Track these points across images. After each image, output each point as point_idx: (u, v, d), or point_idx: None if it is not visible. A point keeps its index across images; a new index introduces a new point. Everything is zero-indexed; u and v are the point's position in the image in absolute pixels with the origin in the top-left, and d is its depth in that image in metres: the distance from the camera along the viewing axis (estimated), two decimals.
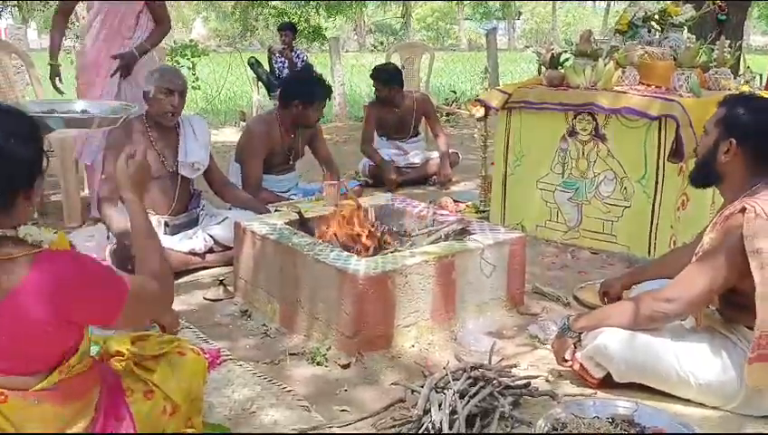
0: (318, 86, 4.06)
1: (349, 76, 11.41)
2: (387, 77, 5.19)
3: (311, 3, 13.99)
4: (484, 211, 4.20)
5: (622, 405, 1.99)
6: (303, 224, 2.95)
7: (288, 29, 8.41)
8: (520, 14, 34.82)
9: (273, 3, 13.50)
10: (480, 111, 3.95)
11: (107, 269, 1.58)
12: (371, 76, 5.30)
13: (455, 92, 10.14)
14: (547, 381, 2.25)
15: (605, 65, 3.55)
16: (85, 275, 1.50)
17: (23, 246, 1.46)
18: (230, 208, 3.71)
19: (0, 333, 1.43)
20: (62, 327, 1.47)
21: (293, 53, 8.23)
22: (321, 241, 2.72)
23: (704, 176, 2.22)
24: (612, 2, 26.10)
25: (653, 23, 3.78)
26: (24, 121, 1.47)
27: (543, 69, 3.84)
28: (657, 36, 3.81)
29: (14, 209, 1.46)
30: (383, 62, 5.95)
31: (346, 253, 2.58)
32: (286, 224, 2.90)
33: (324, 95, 4.06)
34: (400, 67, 6.01)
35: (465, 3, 29.59)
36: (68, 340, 1.52)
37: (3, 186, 1.43)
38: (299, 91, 3.93)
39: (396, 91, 5.17)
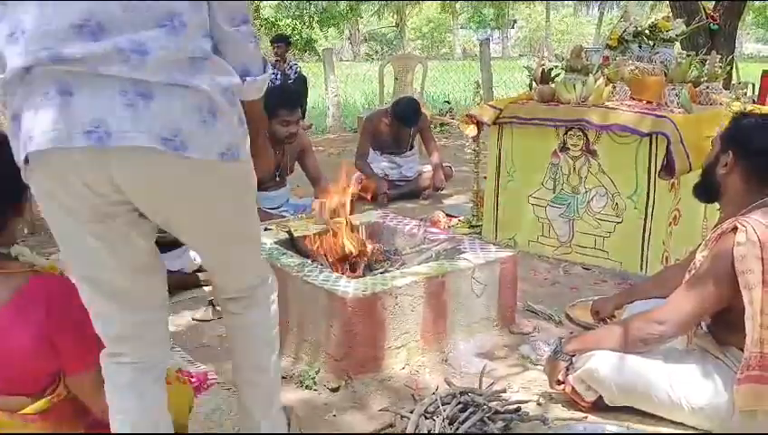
0: (279, 98, 3.78)
1: (343, 87, 11.42)
2: (410, 116, 5.06)
3: (304, 16, 14.02)
4: (476, 226, 4.19)
5: (613, 429, 1.97)
6: (293, 243, 2.92)
7: (281, 41, 8.41)
8: (515, 22, 34.96)
9: (266, 15, 13.50)
10: (473, 131, 3.94)
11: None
12: (392, 112, 5.10)
13: (448, 102, 10.15)
14: (538, 404, 2.23)
15: (596, 81, 3.55)
16: (74, 301, 1.49)
17: (15, 264, 1.47)
18: None
19: None
20: (46, 347, 1.46)
21: (286, 65, 8.23)
22: (310, 261, 2.70)
23: (705, 188, 2.21)
24: (605, 10, 26.27)
25: (644, 38, 3.78)
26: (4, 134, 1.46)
27: (534, 84, 3.84)
28: (648, 51, 3.81)
29: (5, 225, 1.46)
30: (377, 70, 5.93)
31: (335, 274, 2.56)
32: (276, 243, 2.87)
33: (286, 107, 3.80)
34: (393, 79, 6.00)
35: (459, 12, 29.71)
36: (51, 362, 1.50)
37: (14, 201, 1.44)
38: (264, 105, 3.86)
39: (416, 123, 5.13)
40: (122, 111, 1.23)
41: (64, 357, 1.51)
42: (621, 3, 23.51)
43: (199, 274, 3.28)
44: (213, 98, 1.32)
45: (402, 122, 5.06)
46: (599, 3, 25.59)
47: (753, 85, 5.08)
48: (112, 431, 1.53)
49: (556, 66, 3.83)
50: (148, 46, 1.25)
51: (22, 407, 1.49)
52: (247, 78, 1.47)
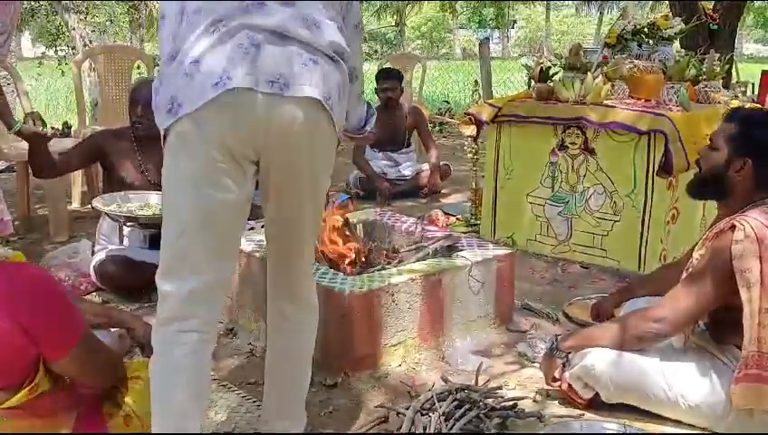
0: None
1: None
2: (387, 71, 5.37)
3: None
4: (474, 224, 4.18)
5: (610, 427, 1.96)
6: None
7: None
8: (514, 22, 34.95)
9: None
10: (473, 131, 3.95)
11: (69, 295, 1.56)
12: (376, 77, 5.37)
13: (447, 102, 10.15)
14: (535, 401, 2.22)
15: (594, 79, 3.55)
16: (49, 285, 1.48)
17: None
18: None
19: None
20: (19, 336, 1.42)
21: None
22: None
23: (708, 191, 2.20)
24: (605, 10, 26.26)
25: (642, 36, 3.77)
26: None
27: (533, 82, 3.83)
28: (647, 50, 3.80)
29: None
30: (376, 67, 5.98)
31: (332, 271, 2.56)
32: None
33: None
34: None
35: (459, 12, 29.70)
36: (27, 353, 1.47)
37: None
38: None
39: (398, 86, 5.24)
40: (299, 68, 1.51)
41: (44, 345, 1.47)
42: (621, 3, 23.53)
43: None
44: (347, 82, 1.64)
45: (384, 79, 5.22)
46: (598, 3, 25.59)
47: (753, 85, 5.08)
48: (154, 419, 1.53)
49: (555, 65, 3.82)
50: (323, 24, 1.57)
51: (1, 400, 1.47)
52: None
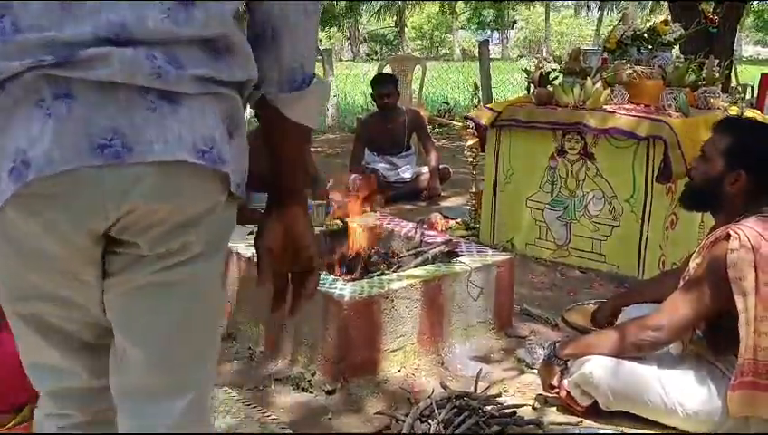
0: None
1: (342, 87, 11.41)
2: (384, 78, 5.41)
3: None
4: (473, 228, 4.19)
5: (608, 434, 1.97)
6: None
7: None
8: (514, 23, 34.96)
9: None
10: (475, 144, 3.99)
11: None
12: (371, 84, 5.39)
13: (447, 103, 10.15)
14: (533, 408, 2.23)
15: (594, 84, 3.56)
16: None
17: None
18: None
19: None
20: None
21: None
22: None
23: (702, 202, 2.21)
24: (605, 11, 26.28)
25: (642, 41, 3.78)
26: None
27: (533, 87, 3.84)
28: (646, 55, 3.81)
29: None
30: (376, 70, 6.00)
31: (332, 276, 2.56)
32: None
33: None
34: None
35: (460, 13, 29.72)
36: None
37: None
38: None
39: (394, 91, 5.25)
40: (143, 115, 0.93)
41: None
42: (621, 5, 23.55)
43: None
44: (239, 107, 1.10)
45: (380, 85, 5.24)
46: (598, 4, 25.62)
47: (752, 88, 5.09)
48: None
49: (554, 69, 3.83)
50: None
51: (5, 423, 1.48)
52: None
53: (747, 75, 8.08)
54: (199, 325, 1.09)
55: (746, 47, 32.61)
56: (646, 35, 3.80)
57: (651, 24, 3.86)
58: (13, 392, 1.48)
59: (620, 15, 4.18)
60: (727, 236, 1.97)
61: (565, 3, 32.67)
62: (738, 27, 7.78)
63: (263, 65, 1.03)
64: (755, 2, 17.56)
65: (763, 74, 5.03)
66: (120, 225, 0.96)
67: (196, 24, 0.94)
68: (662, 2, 15.42)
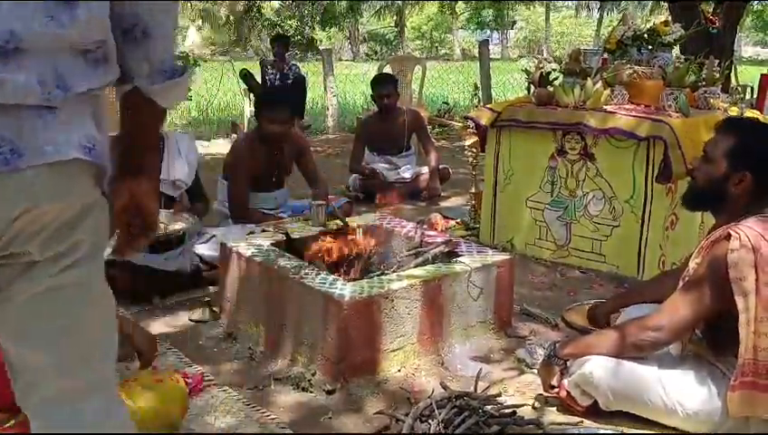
0: (270, 97, 4.14)
1: (342, 87, 11.41)
2: (384, 79, 5.43)
3: (305, 17, 14.00)
4: (473, 228, 4.19)
5: (608, 434, 1.97)
6: (290, 245, 2.93)
7: (280, 40, 8.40)
8: (514, 23, 34.95)
9: (267, 15, 13.49)
10: (474, 142, 3.98)
11: None
12: (371, 85, 5.40)
13: (447, 103, 10.15)
14: (533, 408, 2.23)
15: (594, 84, 3.56)
16: None
17: None
18: (217, 226, 3.69)
19: None
20: None
21: (285, 65, 8.22)
22: (307, 263, 2.70)
23: (706, 203, 2.20)
24: (605, 11, 26.28)
25: (642, 42, 3.78)
26: None
27: (533, 87, 3.84)
28: (647, 55, 3.81)
29: None
30: (376, 70, 6.01)
31: (332, 276, 2.56)
32: (273, 245, 2.87)
33: (270, 106, 3.83)
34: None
35: (460, 13, 29.72)
36: None
37: None
38: (257, 104, 4.01)
39: (394, 92, 5.26)
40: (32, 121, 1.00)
41: None
42: (621, 5, 23.55)
43: (196, 275, 3.28)
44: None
45: (380, 86, 5.26)
46: (598, 4, 25.61)
47: (752, 88, 5.09)
48: None
49: (554, 69, 3.83)
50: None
51: (3, 422, 1.49)
52: None
53: (747, 76, 8.08)
54: (97, 325, 1.15)
55: (746, 48, 32.61)
56: (646, 36, 3.80)
57: (651, 24, 3.86)
58: (10, 392, 1.49)
59: (621, 16, 4.18)
60: (728, 237, 1.97)
61: (565, 3, 32.66)
62: (738, 28, 7.78)
63: (131, 60, 1.12)
64: (755, 2, 17.58)
65: (762, 75, 5.03)
66: (4, 240, 1.00)
67: (81, 26, 0.99)
68: (662, 2, 15.42)
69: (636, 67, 3.67)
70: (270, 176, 3.96)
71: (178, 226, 3.16)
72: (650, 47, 3.81)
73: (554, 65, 3.85)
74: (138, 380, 1.81)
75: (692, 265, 2.11)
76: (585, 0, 27.83)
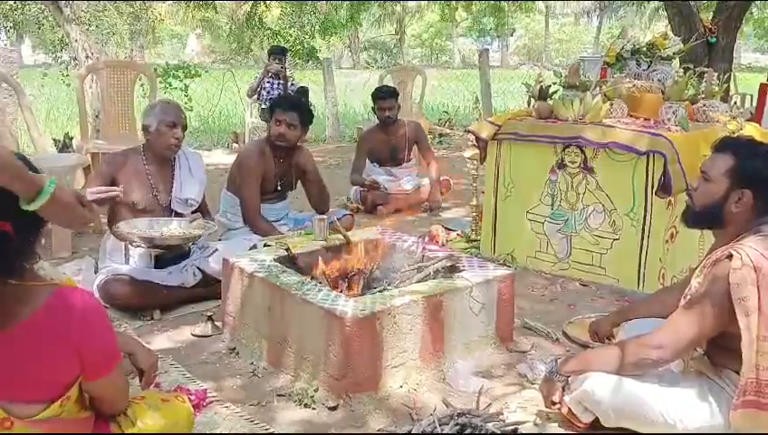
0: (287, 98, 4.33)
1: (342, 96, 11.44)
2: (386, 91, 5.42)
3: (306, 26, 14.04)
4: (474, 240, 4.21)
5: None
6: (292, 260, 2.94)
7: (279, 53, 8.38)
8: (513, 30, 35.06)
9: (269, 24, 13.53)
10: (474, 155, 4.01)
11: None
12: (373, 97, 5.43)
13: (447, 113, 10.19)
14: (535, 424, 2.24)
15: (593, 98, 3.58)
16: (99, 310, 1.58)
17: (40, 278, 1.52)
18: (220, 240, 3.70)
19: (13, 357, 1.47)
20: (71, 357, 1.52)
21: (289, 82, 8.15)
22: (309, 279, 2.71)
23: (706, 222, 2.21)
24: (604, 18, 26.35)
25: (641, 55, 3.81)
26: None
27: (533, 101, 3.86)
28: (646, 69, 3.84)
29: (38, 244, 1.54)
30: (377, 78, 6.04)
31: (334, 292, 2.57)
32: (275, 260, 2.89)
33: (284, 107, 3.85)
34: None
35: (460, 21, 29.79)
36: (72, 371, 1.55)
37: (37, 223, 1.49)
38: (271, 107, 3.99)
39: (395, 105, 5.30)
40: None
41: (89, 366, 1.56)
42: (620, 12, 23.61)
43: (198, 289, 3.29)
44: None
45: (381, 99, 5.29)
46: (598, 11, 25.69)
47: (751, 97, 5.12)
48: None
49: (554, 83, 3.85)
50: None
51: (34, 413, 1.52)
52: None
53: (746, 83, 8.10)
54: None
55: (746, 54, 32.67)
56: (645, 49, 3.82)
57: (651, 38, 3.89)
58: (51, 385, 1.53)
59: (620, 22, 4.21)
60: (730, 256, 1.98)
61: (564, 11, 32.75)
62: (738, 35, 7.81)
63: None
64: (755, 9, 17.64)
65: (762, 84, 5.06)
66: None
67: None
68: (660, 11, 15.46)
69: (635, 81, 3.69)
70: (274, 186, 3.96)
71: (197, 231, 3.19)
72: (649, 60, 3.83)
73: (554, 78, 3.87)
74: (144, 399, 1.82)
75: (694, 283, 2.12)
76: None
